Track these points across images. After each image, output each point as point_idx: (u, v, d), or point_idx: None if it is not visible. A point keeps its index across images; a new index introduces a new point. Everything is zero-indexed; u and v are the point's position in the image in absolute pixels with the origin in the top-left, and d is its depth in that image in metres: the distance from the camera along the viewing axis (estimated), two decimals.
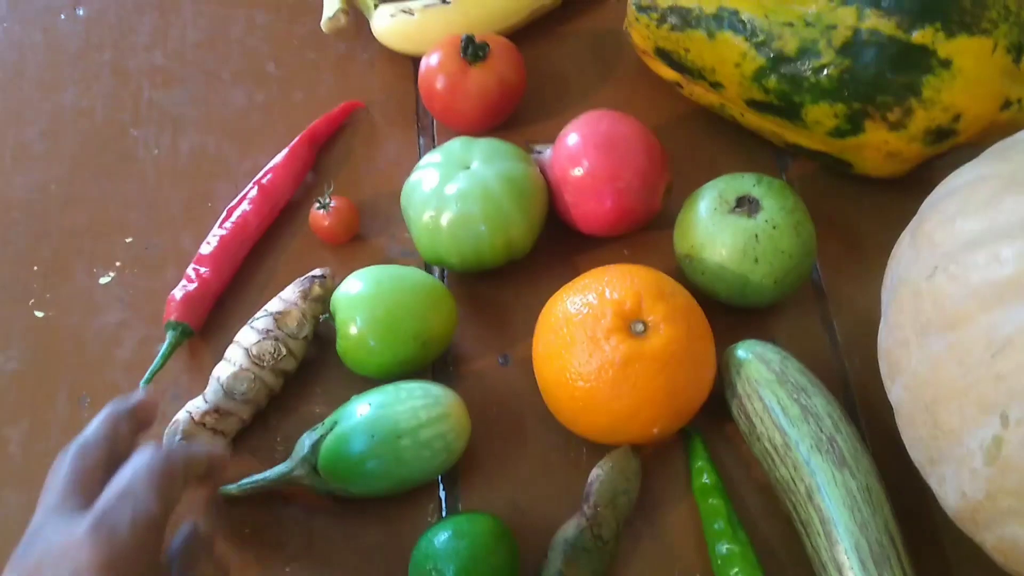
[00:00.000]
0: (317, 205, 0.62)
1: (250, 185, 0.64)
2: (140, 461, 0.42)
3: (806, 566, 0.52)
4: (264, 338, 0.56)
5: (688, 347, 0.52)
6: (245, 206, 0.62)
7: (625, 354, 0.51)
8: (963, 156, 0.58)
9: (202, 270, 0.60)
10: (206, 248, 0.61)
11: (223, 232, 0.61)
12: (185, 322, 0.58)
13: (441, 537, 0.50)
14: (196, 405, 0.55)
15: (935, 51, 0.56)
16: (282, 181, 0.64)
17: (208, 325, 0.61)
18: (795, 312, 0.62)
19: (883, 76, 0.57)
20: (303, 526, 0.54)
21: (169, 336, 0.58)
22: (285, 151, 0.65)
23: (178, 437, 0.54)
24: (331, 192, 0.63)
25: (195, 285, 0.59)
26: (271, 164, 0.65)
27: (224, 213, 0.63)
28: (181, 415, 0.55)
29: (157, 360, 0.57)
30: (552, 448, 0.57)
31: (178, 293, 0.59)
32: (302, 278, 0.59)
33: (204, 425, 0.54)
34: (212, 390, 0.55)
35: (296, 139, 0.66)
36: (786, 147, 0.66)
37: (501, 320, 0.62)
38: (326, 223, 0.62)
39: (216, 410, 0.55)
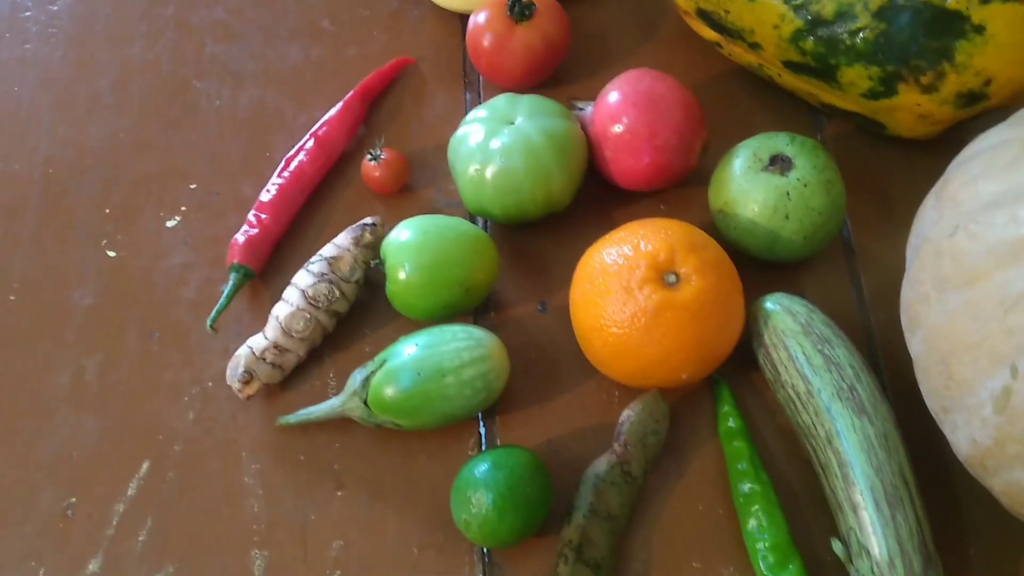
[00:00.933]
0: (369, 157, 0.66)
1: (306, 137, 0.67)
2: None
3: (823, 506, 0.56)
4: (319, 281, 0.60)
5: (718, 298, 0.55)
6: (302, 156, 0.66)
7: (657, 303, 0.54)
8: (994, 119, 0.60)
9: (263, 216, 0.64)
10: (266, 196, 0.65)
11: (281, 181, 0.65)
12: (247, 265, 0.62)
13: (481, 467, 0.53)
14: (257, 342, 0.59)
15: (969, 16, 0.57)
16: (336, 133, 0.67)
17: (267, 268, 0.65)
18: (824, 268, 0.64)
19: (917, 40, 0.58)
20: (353, 455, 0.58)
21: (232, 278, 0.62)
22: (339, 105, 0.69)
23: (240, 370, 0.58)
24: (382, 145, 0.66)
25: (256, 230, 0.63)
26: (326, 117, 0.68)
27: (282, 163, 0.66)
28: (243, 350, 0.59)
29: (222, 300, 0.61)
30: (585, 390, 0.60)
31: (240, 237, 0.63)
32: (354, 226, 0.63)
33: (264, 360, 0.59)
34: (271, 328, 0.59)
35: (350, 93, 0.69)
36: (821, 107, 0.67)
37: (540, 269, 0.65)
38: (377, 174, 0.66)
39: (275, 346, 0.59)
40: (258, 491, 0.57)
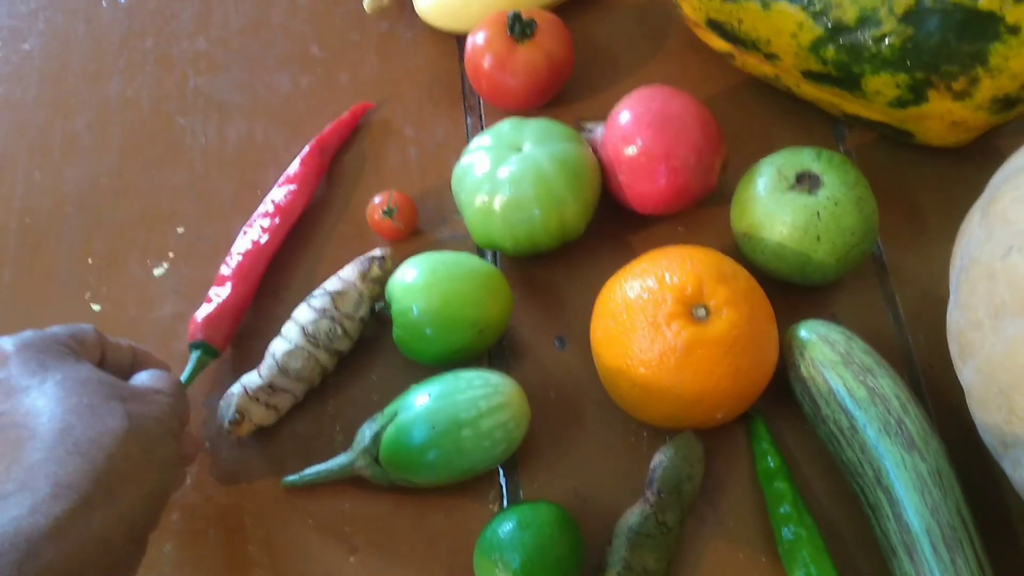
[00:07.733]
0: (383, 214, 0.61)
1: (262, 204, 0.63)
2: (167, 378, 0.49)
3: (874, 550, 0.52)
4: (320, 317, 0.56)
5: (752, 331, 0.51)
6: (262, 222, 0.62)
7: (688, 340, 0.50)
8: None
9: (221, 290, 0.59)
10: (225, 270, 0.60)
11: (239, 257, 0.60)
12: (208, 342, 0.57)
13: (506, 527, 0.49)
14: (251, 379, 0.55)
15: (1003, 17, 0.54)
16: (295, 199, 0.62)
17: (262, 309, 0.61)
18: (856, 288, 0.60)
19: (948, 44, 0.55)
20: (365, 516, 0.54)
21: (193, 356, 0.57)
22: (296, 164, 0.64)
23: (232, 409, 0.54)
24: (393, 199, 0.61)
25: (213, 306, 0.58)
26: (282, 178, 0.64)
27: (240, 233, 0.62)
28: (235, 388, 0.55)
29: (183, 380, 0.56)
30: (612, 433, 0.56)
31: (200, 314, 0.58)
32: (361, 258, 0.59)
33: (257, 400, 0.55)
34: (267, 366, 0.55)
35: (306, 149, 0.64)
36: (844, 118, 0.64)
37: (555, 303, 0.61)
38: (389, 225, 0.62)
39: (270, 386, 0.55)
40: (264, 560, 0.53)
